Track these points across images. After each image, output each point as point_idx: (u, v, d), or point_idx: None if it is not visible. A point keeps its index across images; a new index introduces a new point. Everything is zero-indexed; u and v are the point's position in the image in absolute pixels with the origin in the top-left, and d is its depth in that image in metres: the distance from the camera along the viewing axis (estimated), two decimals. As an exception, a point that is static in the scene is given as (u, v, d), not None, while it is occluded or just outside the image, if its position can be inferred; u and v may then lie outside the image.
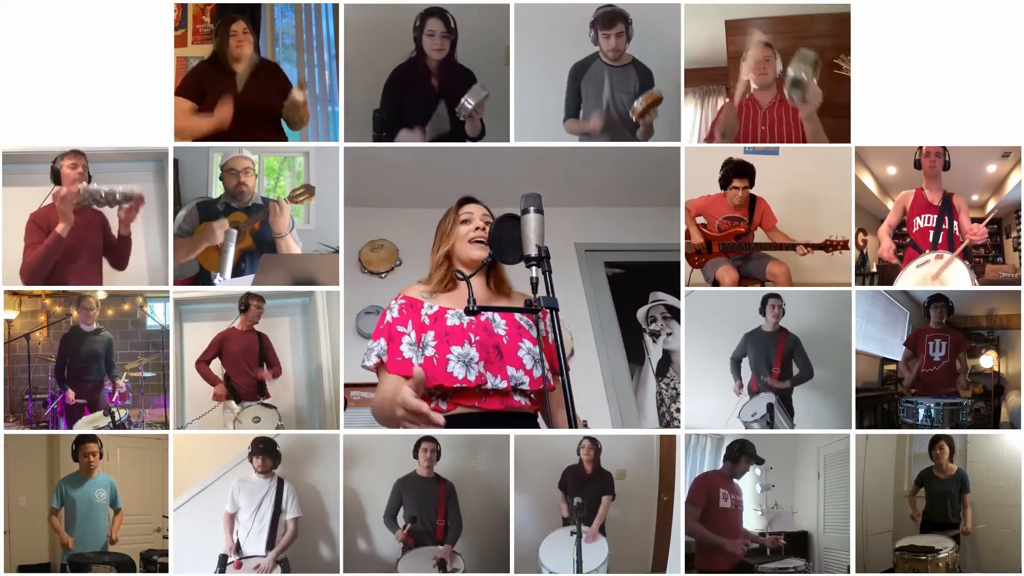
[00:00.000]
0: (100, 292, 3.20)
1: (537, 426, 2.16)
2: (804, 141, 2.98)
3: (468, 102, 2.99)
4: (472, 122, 3.07)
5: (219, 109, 2.97)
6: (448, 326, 2.04)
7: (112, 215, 2.98)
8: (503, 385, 2.00)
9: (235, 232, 3.09)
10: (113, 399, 3.20)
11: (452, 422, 1.98)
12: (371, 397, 3.54)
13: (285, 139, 3.20)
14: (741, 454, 2.86)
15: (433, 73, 3.14)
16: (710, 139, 3.11)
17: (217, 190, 3.55)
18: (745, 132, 3.09)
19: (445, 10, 3.08)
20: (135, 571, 2.84)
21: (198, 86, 3.02)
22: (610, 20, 3.05)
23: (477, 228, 2.11)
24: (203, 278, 3.28)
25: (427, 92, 3.13)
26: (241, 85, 3.03)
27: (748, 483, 3.01)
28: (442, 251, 2.15)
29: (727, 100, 3.11)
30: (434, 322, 2.05)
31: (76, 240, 2.91)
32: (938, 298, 3.12)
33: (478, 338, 2.02)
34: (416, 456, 2.89)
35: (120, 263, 3.05)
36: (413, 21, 3.10)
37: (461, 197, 2.22)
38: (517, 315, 2.11)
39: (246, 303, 3.36)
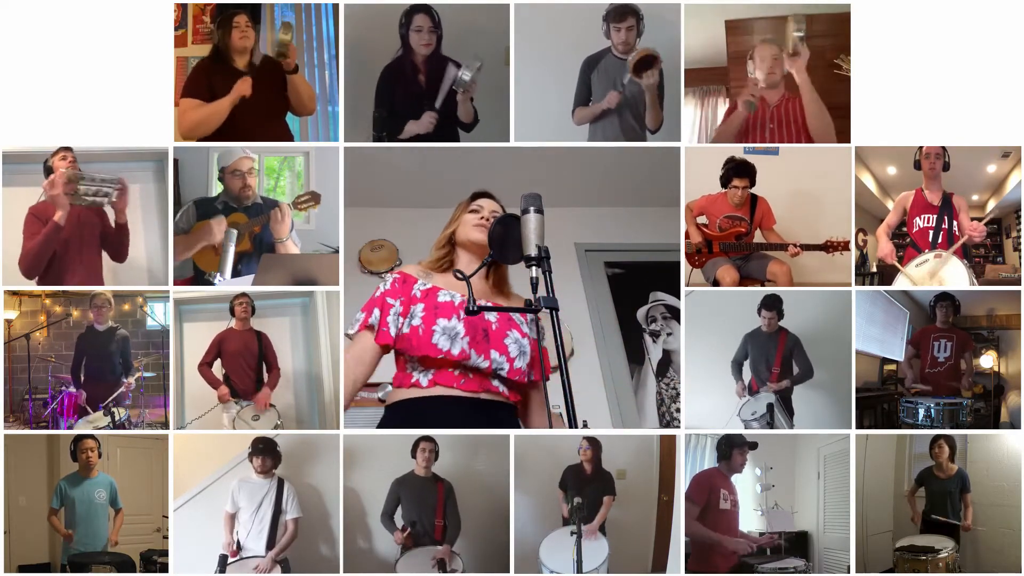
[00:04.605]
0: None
1: (516, 419, 2.18)
2: (806, 126, 3.00)
3: (465, 74, 3.04)
4: (464, 103, 3.10)
5: (238, 85, 2.95)
6: (439, 302, 2.08)
7: (110, 209, 2.99)
8: (484, 364, 2.04)
9: (235, 232, 3.09)
10: (127, 397, 3.21)
11: (428, 404, 2.04)
12: (371, 397, 3.54)
13: (290, 134, 3.20)
14: (731, 447, 2.85)
15: (420, 69, 3.17)
16: (732, 109, 3.12)
17: (216, 191, 3.55)
18: (753, 129, 3.09)
19: (430, 6, 3.12)
20: (135, 571, 2.84)
21: (206, 84, 2.98)
22: (621, 14, 3.10)
23: (483, 218, 2.14)
24: (198, 279, 3.28)
25: (416, 88, 3.16)
26: (244, 65, 3.03)
27: (748, 483, 3.01)
28: (446, 232, 2.21)
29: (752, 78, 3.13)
30: (425, 297, 2.10)
31: (75, 232, 2.92)
32: (944, 297, 3.12)
33: (466, 316, 2.05)
34: (414, 456, 2.89)
35: (119, 254, 3.06)
36: (399, 18, 3.14)
37: (475, 191, 2.25)
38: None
39: (231, 305, 3.38)
